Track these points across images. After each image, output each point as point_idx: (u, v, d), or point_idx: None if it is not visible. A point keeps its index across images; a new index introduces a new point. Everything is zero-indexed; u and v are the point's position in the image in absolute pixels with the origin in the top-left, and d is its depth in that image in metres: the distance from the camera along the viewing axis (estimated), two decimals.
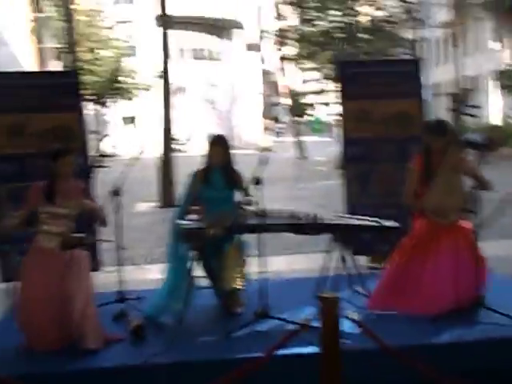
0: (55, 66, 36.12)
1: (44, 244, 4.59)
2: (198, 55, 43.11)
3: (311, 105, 71.67)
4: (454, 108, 5.20)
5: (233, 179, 5.23)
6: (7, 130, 6.25)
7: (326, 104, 63.13)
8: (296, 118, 33.36)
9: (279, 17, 28.16)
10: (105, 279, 6.15)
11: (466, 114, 5.12)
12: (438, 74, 41.22)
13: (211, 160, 5.23)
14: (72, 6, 18.86)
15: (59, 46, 31.19)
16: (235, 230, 4.90)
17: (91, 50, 31.74)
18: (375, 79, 6.71)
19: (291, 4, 25.12)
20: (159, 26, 15.39)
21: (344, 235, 5.28)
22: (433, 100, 32.26)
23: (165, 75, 14.90)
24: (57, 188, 4.65)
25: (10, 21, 30.75)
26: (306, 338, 3.98)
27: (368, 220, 5.34)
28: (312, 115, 77.12)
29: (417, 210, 5.15)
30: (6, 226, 4.83)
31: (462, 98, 5.67)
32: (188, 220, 5.07)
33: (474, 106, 5.10)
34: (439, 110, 38.34)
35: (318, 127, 69.27)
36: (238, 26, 46.16)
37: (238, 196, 5.25)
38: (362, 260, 6.49)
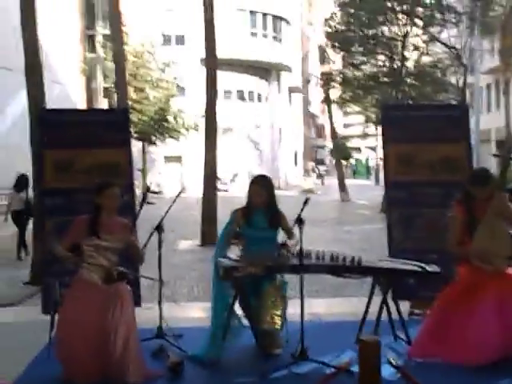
0: (105, 105, 37.10)
1: (87, 277, 4.65)
2: (244, 97, 43.68)
3: (356, 148, 71.45)
4: (500, 154, 5.12)
5: (275, 219, 5.23)
6: (57, 164, 6.41)
7: (372, 148, 63.19)
8: (340, 161, 33.27)
9: (325, 60, 28.39)
10: (145, 315, 6.17)
11: None
12: (487, 121, 40.78)
13: (251, 199, 5.25)
14: (123, 47, 19.41)
15: (110, 85, 32.08)
16: (275, 270, 4.88)
17: (140, 90, 32.48)
18: (419, 123, 6.67)
19: (335, 47, 25.32)
20: (206, 67, 15.64)
21: (386, 279, 5.21)
22: (480, 146, 31.90)
23: (211, 115, 15.11)
24: (101, 221, 4.73)
25: (64, 60, 31.75)
26: (346, 382, 3.93)
27: (411, 264, 5.26)
28: (357, 158, 77.29)
29: (462, 258, 5.05)
30: (53, 252, 4.89)
31: (509, 145, 5.58)
32: (228, 258, 5.07)
33: None
34: (486, 156, 37.89)
35: (362, 170, 69.11)
36: (285, 68, 46.73)
37: (280, 237, 5.25)
38: (405, 306, 6.37)
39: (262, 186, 5.27)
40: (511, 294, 4.77)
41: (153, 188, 36.24)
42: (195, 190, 21.80)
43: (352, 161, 76.46)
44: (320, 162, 70.55)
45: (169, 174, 39.18)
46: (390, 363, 3.43)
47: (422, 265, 5.17)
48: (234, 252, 5.31)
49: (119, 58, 18.17)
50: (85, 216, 4.79)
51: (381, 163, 36.77)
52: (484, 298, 4.77)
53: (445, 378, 4.46)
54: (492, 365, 4.57)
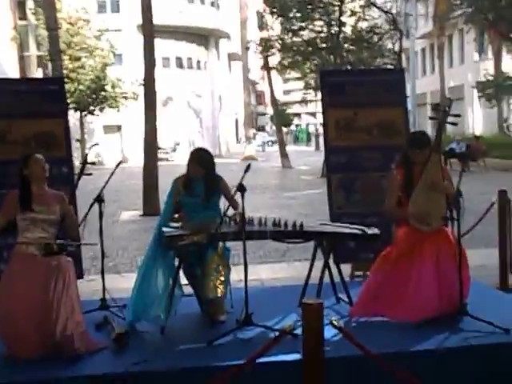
0: (39, 74, 36.01)
1: (26, 250, 4.55)
2: (183, 64, 43.14)
3: (297, 115, 71.78)
4: (435, 117, 5.25)
5: (214, 186, 5.21)
6: None
7: (312, 114, 63.58)
8: (281, 128, 33.40)
9: (263, 26, 28.22)
10: (88, 287, 6.12)
11: (448, 123, 5.17)
12: (422, 85, 41.59)
13: (189, 174, 5.23)
14: (56, 13, 18.79)
15: (44, 54, 31.11)
16: (218, 238, 4.89)
17: (76, 59, 31.65)
18: (358, 88, 6.74)
19: (274, 14, 25.19)
20: (143, 34, 15.34)
21: (327, 243, 5.29)
22: (417, 110, 32.52)
23: (150, 84, 14.88)
24: (32, 193, 4.61)
25: None
26: (290, 345, 4.00)
27: (351, 228, 5.36)
28: (297, 125, 77.74)
29: (399, 219, 5.18)
30: None
31: (444, 108, 5.72)
32: (171, 227, 5.05)
33: (454, 115, 5.15)
34: (423, 119, 38.71)
35: (303, 136, 69.62)
36: (224, 35, 46.28)
37: (221, 203, 5.25)
38: (346, 268, 6.51)
39: (197, 163, 5.20)
40: (446, 253, 4.93)
41: (91, 159, 35.70)
42: (136, 160, 21.58)
43: (293, 127, 76.95)
44: (261, 128, 70.66)
45: (108, 144, 38.52)
46: (333, 325, 3.50)
47: (362, 228, 5.28)
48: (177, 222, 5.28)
49: (52, 25, 17.57)
50: (16, 190, 4.66)
51: (320, 129, 37.12)
52: (421, 258, 4.92)
53: (385, 336, 4.60)
54: (430, 322, 4.73)
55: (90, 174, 5.50)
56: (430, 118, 5.30)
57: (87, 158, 5.38)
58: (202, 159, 5.23)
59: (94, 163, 6.46)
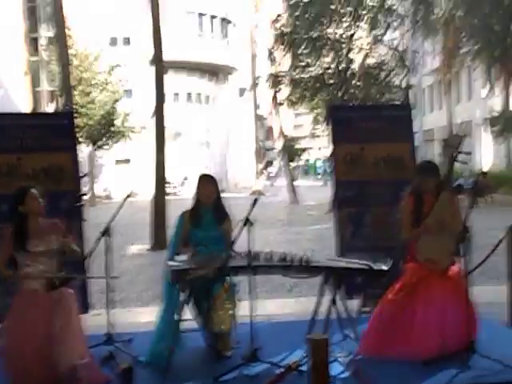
0: (50, 108, 36.43)
1: (29, 286, 4.54)
2: (192, 99, 43.54)
3: (304, 149, 72.04)
4: (445, 154, 5.26)
5: (223, 218, 5.24)
6: (0, 169, 6.26)
7: (319, 148, 63.81)
8: (288, 163, 33.52)
9: (273, 62, 28.52)
10: (94, 321, 6.08)
11: (457, 161, 5.16)
12: (430, 121, 41.73)
13: (202, 196, 5.23)
14: (67, 50, 19.12)
15: (55, 89, 31.50)
16: (225, 272, 4.87)
17: (86, 94, 32.02)
18: (365, 123, 6.79)
19: (282, 49, 25.49)
20: (154, 68, 15.54)
21: (334, 278, 5.26)
22: (424, 145, 32.59)
23: (160, 118, 15.02)
24: (28, 228, 4.58)
25: (6, 63, 31.06)
26: (296, 382, 3.95)
27: (358, 263, 5.33)
28: (307, 159, 77.86)
29: (408, 252, 5.16)
30: None
31: (454, 145, 5.73)
32: (178, 261, 5.05)
33: (465, 153, 5.14)
34: (430, 155, 38.74)
35: (312, 171, 69.77)
36: (233, 70, 46.79)
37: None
38: (354, 304, 6.46)
39: (211, 182, 5.28)
40: (455, 291, 4.90)
41: (100, 193, 35.84)
42: (145, 194, 21.63)
43: (302, 162, 77.09)
44: (269, 163, 70.85)
45: (117, 177, 38.70)
46: (339, 361, 3.46)
47: (369, 263, 5.25)
48: (184, 255, 5.28)
49: (63, 61, 17.92)
50: (10, 226, 4.61)
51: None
52: (428, 296, 4.89)
53: (392, 374, 4.54)
54: (437, 360, 4.67)
55: (82, 205, 5.54)
56: (440, 156, 5.31)
57: (85, 193, 5.42)
58: (213, 179, 5.29)
59: (84, 194, 6.59)
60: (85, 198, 6.75)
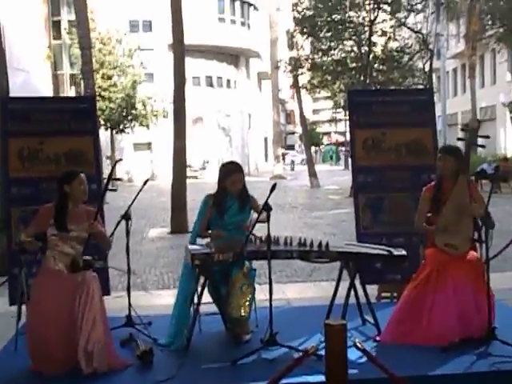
0: (72, 92, 36.61)
1: (53, 266, 4.60)
2: (213, 83, 43.48)
3: (326, 133, 71.48)
4: (463, 138, 5.20)
5: (247, 203, 5.25)
6: (22, 153, 6.32)
7: (342, 133, 63.53)
8: (309, 147, 33.39)
9: (293, 46, 28.31)
10: (115, 304, 6.15)
11: (476, 145, 5.12)
12: (453, 105, 41.26)
13: (230, 186, 5.23)
14: (89, 33, 19.15)
15: (76, 72, 31.64)
16: (244, 257, 4.89)
17: (108, 77, 32.12)
18: (386, 108, 6.72)
19: (304, 34, 25.29)
20: (173, 53, 15.50)
21: (353, 263, 5.25)
22: (447, 130, 32.24)
23: (180, 102, 15.00)
24: (68, 211, 4.68)
25: (28, 47, 31.23)
26: (313, 366, 3.97)
27: (378, 248, 5.32)
28: (327, 144, 77.58)
29: (427, 238, 5.14)
30: (18, 241, 4.83)
31: (472, 129, 5.67)
32: (198, 245, 5.07)
33: (483, 137, 5.10)
34: (453, 139, 38.35)
35: (332, 156, 69.49)
36: (254, 54, 46.57)
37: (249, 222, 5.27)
38: (373, 289, 6.45)
39: (239, 170, 5.27)
40: (474, 277, 4.87)
41: (121, 176, 36.05)
42: (165, 177, 21.73)
43: (322, 147, 76.86)
44: (290, 147, 70.71)
45: (138, 161, 38.89)
46: (356, 346, 3.47)
47: (389, 248, 5.24)
48: (205, 239, 5.31)
49: (85, 45, 17.95)
50: (49, 204, 4.73)
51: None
52: (446, 282, 4.86)
53: (410, 360, 4.54)
54: (457, 346, 4.66)
55: (115, 190, 5.55)
56: (458, 139, 5.29)
57: (112, 173, 5.43)
58: (241, 167, 5.30)
59: (119, 179, 6.58)
60: (118, 182, 6.76)
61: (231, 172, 5.27)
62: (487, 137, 5.09)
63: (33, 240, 4.61)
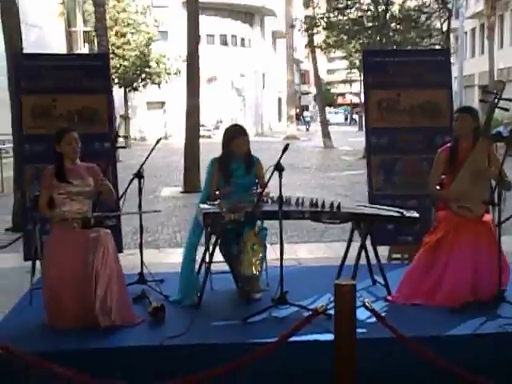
0: (85, 49, 36.36)
1: (64, 225, 4.64)
2: (227, 42, 43.03)
3: (341, 94, 70.81)
4: (486, 100, 5.10)
5: (252, 165, 5.27)
6: (35, 110, 6.33)
7: (357, 94, 62.93)
8: (324, 107, 33.14)
9: (309, 4, 27.82)
10: (127, 261, 6.22)
11: (499, 108, 5.04)
12: (470, 66, 40.63)
13: (236, 149, 5.23)
14: None
15: (90, 29, 31.38)
16: (255, 216, 4.90)
17: (122, 35, 31.83)
18: (401, 69, 6.63)
19: None
20: (187, 10, 15.32)
21: (365, 225, 5.26)
22: (465, 91, 31.83)
23: (193, 61, 14.89)
24: (66, 168, 4.69)
25: (41, 2, 30.92)
26: (323, 325, 4.01)
27: (390, 210, 5.31)
28: (341, 104, 76.95)
29: (440, 201, 5.13)
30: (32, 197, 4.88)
31: (496, 91, 5.53)
32: (209, 204, 5.10)
33: (507, 99, 5.00)
34: (470, 101, 37.89)
35: (346, 116, 68.99)
36: (268, 12, 45.92)
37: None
38: (384, 250, 6.47)
39: (244, 133, 5.28)
40: (487, 240, 4.87)
41: (134, 135, 36.04)
42: (179, 137, 21.70)
43: (337, 107, 76.26)
44: (304, 108, 70.17)
45: (152, 120, 38.81)
46: (365, 306, 3.50)
47: (401, 210, 5.23)
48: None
49: (99, 1, 17.74)
50: (50, 166, 4.74)
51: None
52: (459, 244, 4.86)
53: (419, 320, 4.58)
54: (466, 307, 4.69)
55: (124, 147, 5.55)
56: (481, 101, 5.22)
57: (118, 132, 5.44)
58: (246, 131, 5.31)
59: (126, 137, 6.64)
60: (120, 139, 6.78)
61: (236, 134, 5.28)
62: (511, 100, 4.98)
63: (54, 213, 4.66)
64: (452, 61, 7.11)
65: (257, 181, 5.33)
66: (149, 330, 4.56)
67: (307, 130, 51.05)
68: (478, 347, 4.25)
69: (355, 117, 60.66)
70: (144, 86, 33.27)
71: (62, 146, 4.69)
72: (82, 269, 4.48)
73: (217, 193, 5.27)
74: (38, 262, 5.32)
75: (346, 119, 68.74)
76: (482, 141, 4.96)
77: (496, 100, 4.97)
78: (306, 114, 61.64)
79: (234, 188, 5.21)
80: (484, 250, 4.84)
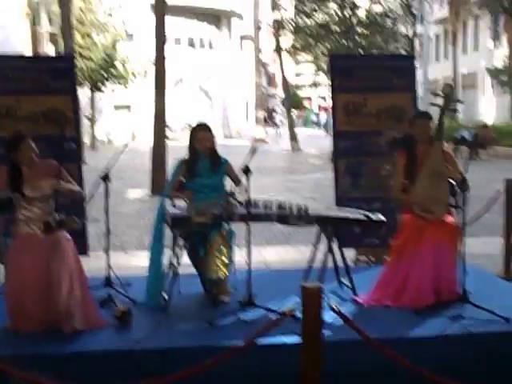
0: (51, 50, 35.90)
1: (27, 229, 4.58)
2: (194, 44, 42.92)
3: (308, 98, 71.14)
4: (436, 104, 5.19)
5: (218, 165, 5.24)
6: (0, 111, 6.23)
7: (323, 98, 63.33)
8: (291, 111, 33.28)
9: (276, 7, 27.97)
10: (93, 264, 6.16)
11: (448, 109, 5.15)
12: (435, 71, 41.24)
13: (200, 145, 5.20)
14: None
15: (56, 30, 31.01)
16: (223, 219, 4.91)
17: (88, 36, 31.51)
18: (367, 73, 6.71)
19: None
20: (154, 12, 15.26)
21: (331, 227, 5.30)
22: (428, 96, 32.26)
23: (160, 63, 14.83)
24: (23, 174, 4.58)
25: (6, 3, 30.48)
26: (290, 328, 4.03)
27: (356, 213, 5.36)
28: (308, 108, 77.27)
29: (404, 205, 5.20)
30: None
31: (445, 94, 5.66)
32: (175, 208, 5.07)
33: (456, 101, 5.13)
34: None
35: (313, 120, 69.30)
36: (236, 15, 45.94)
37: (226, 184, 5.27)
38: (350, 253, 6.53)
39: (209, 130, 5.26)
40: (449, 241, 4.95)
41: (101, 137, 35.64)
42: (145, 139, 21.56)
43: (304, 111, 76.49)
44: (273, 111, 70.25)
45: (118, 122, 38.47)
46: (332, 308, 3.52)
47: (367, 213, 5.28)
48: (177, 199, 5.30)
49: (64, 2, 17.58)
50: (4, 167, 4.62)
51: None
52: (423, 245, 4.93)
53: (385, 322, 4.63)
54: (430, 309, 4.76)
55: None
56: (432, 105, 5.32)
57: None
58: (209, 127, 5.28)
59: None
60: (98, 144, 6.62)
61: (197, 129, 5.27)
62: (459, 101, 5.12)
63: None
64: (416, 65, 7.20)
65: (225, 181, 5.29)
66: (115, 333, 4.52)
67: (277, 133, 51.10)
68: (442, 348, 4.32)
69: (322, 120, 60.95)
70: (110, 88, 32.95)
71: (18, 155, 4.58)
72: (44, 274, 4.45)
73: (177, 193, 5.24)
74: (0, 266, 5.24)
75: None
76: (437, 144, 5.05)
77: (445, 103, 5.09)
78: (276, 116, 61.70)
79: (199, 187, 5.18)
80: (447, 252, 4.92)
